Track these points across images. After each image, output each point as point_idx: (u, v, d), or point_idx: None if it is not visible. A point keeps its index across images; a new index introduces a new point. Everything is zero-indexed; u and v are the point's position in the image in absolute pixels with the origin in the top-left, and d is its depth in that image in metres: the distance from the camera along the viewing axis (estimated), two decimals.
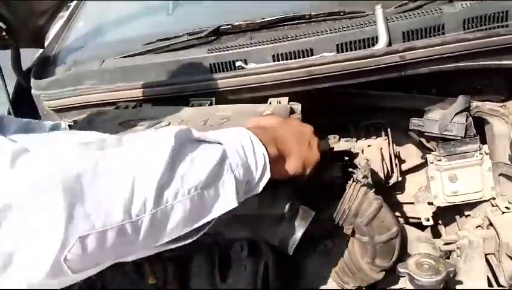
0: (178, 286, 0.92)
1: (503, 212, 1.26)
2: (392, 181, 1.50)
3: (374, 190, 0.98)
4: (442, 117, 1.26)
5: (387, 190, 1.53)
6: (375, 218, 0.88)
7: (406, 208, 1.62)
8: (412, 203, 1.57)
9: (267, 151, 0.64)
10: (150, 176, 0.50)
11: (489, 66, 1.13)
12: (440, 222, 1.55)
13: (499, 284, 1.13)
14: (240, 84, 1.16)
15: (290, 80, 1.14)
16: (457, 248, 1.28)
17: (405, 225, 1.07)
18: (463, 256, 1.24)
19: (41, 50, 1.75)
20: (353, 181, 0.95)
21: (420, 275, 0.71)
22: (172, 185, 0.52)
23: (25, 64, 1.69)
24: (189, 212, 0.54)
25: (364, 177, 0.97)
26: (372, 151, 1.46)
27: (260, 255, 0.95)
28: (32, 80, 1.54)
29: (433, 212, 1.49)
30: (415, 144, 1.52)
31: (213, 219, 0.59)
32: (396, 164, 1.50)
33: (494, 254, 1.22)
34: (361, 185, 0.92)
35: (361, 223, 0.89)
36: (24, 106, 1.61)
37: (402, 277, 0.77)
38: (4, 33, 1.51)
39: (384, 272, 0.95)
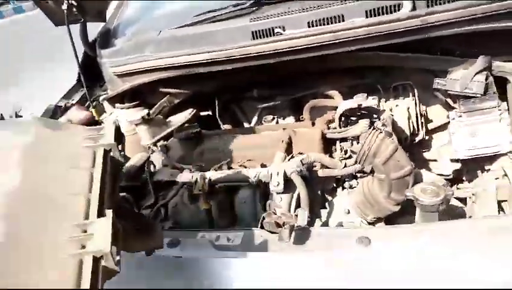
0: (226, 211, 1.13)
1: None
2: (418, 138, 1.64)
3: (393, 137, 1.13)
4: (463, 76, 1.37)
5: (413, 146, 1.68)
6: (391, 158, 1.05)
7: (431, 165, 1.75)
8: (436, 160, 1.70)
9: None
10: None
11: (506, 27, 1.23)
12: (464, 178, 1.67)
13: None
14: (279, 48, 1.33)
15: (324, 43, 1.30)
16: (473, 194, 1.42)
17: (422, 170, 1.21)
18: (478, 202, 1.38)
19: (103, 23, 1.98)
20: (373, 129, 1.11)
21: (423, 197, 0.87)
22: None
23: (90, 36, 1.92)
24: None
25: (383, 125, 1.13)
26: (399, 110, 1.61)
27: (293, 190, 1.14)
28: (98, 50, 1.78)
29: (456, 169, 1.62)
30: (441, 105, 1.64)
31: None
32: (422, 123, 1.63)
33: (507, 201, 1.35)
34: (380, 132, 1.08)
35: (379, 163, 1.06)
36: (91, 72, 1.87)
37: (409, 199, 0.93)
38: (74, 9, 1.75)
39: (399, 206, 1.11)
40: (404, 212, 1.09)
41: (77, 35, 1.86)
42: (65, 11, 1.71)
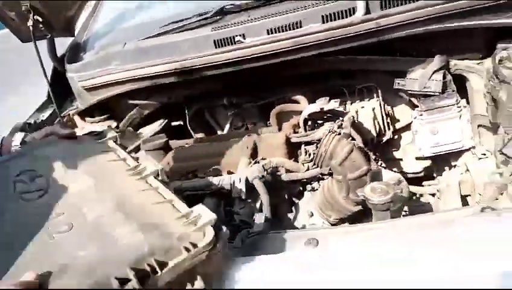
0: None
1: (480, 158, 1.41)
2: (385, 138, 1.67)
3: (350, 138, 1.15)
4: (422, 76, 1.41)
5: (381, 146, 1.71)
6: (347, 159, 1.07)
7: (401, 163, 1.78)
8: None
9: None
10: None
11: (458, 27, 1.27)
12: (434, 175, 1.71)
13: None
14: (239, 56, 1.35)
15: (282, 50, 1.32)
16: (438, 190, 1.45)
17: (381, 168, 1.24)
18: (442, 197, 1.41)
19: (72, 38, 1.99)
20: (329, 131, 1.13)
21: (372, 196, 0.89)
22: None
23: (59, 51, 1.93)
24: None
25: (340, 127, 1.15)
26: (365, 112, 1.64)
27: (257, 195, 1.16)
28: (67, 65, 1.79)
29: (426, 166, 1.66)
30: (407, 104, 1.67)
31: None
32: (388, 123, 1.66)
33: (470, 195, 1.39)
34: (337, 134, 1.10)
35: (335, 164, 1.08)
36: (60, 87, 1.87)
37: (361, 199, 0.95)
38: (41, 25, 1.76)
39: (359, 206, 1.13)
40: (369, 213, 1.11)
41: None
42: (31, 27, 1.72)
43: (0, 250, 0.71)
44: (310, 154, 1.35)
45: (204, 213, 0.74)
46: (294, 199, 1.32)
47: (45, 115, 1.85)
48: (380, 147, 1.72)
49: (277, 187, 1.28)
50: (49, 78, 1.89)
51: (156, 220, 0.74)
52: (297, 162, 1.38)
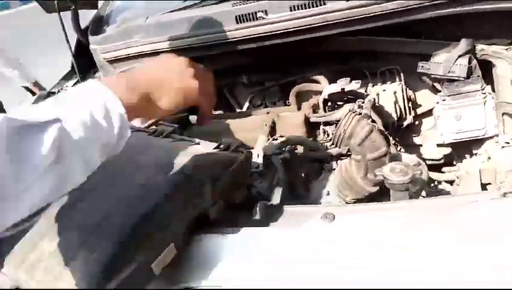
0: None
1: (503, 147, 1.38)
2: (405, 123, 1.65)
3: (370, 119, 1.14)
4: (447, 59, 1.38)
5: (401, 131, 1.69)
6: (367, 139, 1.06)
7: (421, 149, 1.76)
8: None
9: (124, 105, 0.62)
10: None
11: (488, 9, 1.23)
12: (454, 162, 1.68)
13: None
14: (260, 32, 1.34)
15: (304, 27, 1.31)
16: (457, 177, 1.43)
17: (402, 152, 1.23)
18: (461, 184, 1.40)
19: (95, 10, 2.00)
20: (349, 111, 1.12)
21: (391, 176, 0.89)
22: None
23: (83, 23, 1.94)
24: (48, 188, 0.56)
25: (360, 107, 1.14)
26: (386, 95, 1.61)
27: (274, 171, 1.16)
28: (90, 37, 1.80)
29: (446, 154, 1.63)
30: (429, 89, 1.64)
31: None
32: (410, 107, 1.64)
33: (490, 183, 1.36)
34: (356, 114, 1.09)
35: (354, 144, 1.07)
36: (84, 59, 1.89)
37: (379, 180, 0.95)
38: None
39: (377, 187, 1.13)
40: (386, 194, 1.10)
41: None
42: None
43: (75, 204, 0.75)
44: (328, 135, 1.34)
45: (231, 141, 0.92)
46: (311, 178, 1.32)
47: (69, 85, 1.88)
48: (400, 132, 1.70)
49: (294, 165, 1.28)
50: (73, 50, 1.91)
51: (200, 151, 0.88)
52: (316, 141, 1.38)
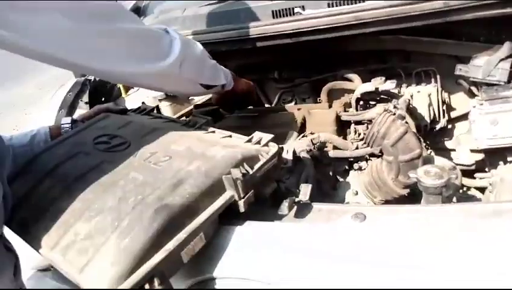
0: None
1: None
2: (438, 126, 1.61)
3: (405, 121, 1.12)
4: (487, 63, 1.33)
5: (434, 134, 1.65)
6: (401, 140, 1.05)
7: (453, 154, 1.72)
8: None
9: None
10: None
11: None
12: (487, 169, 1.63)
13: None
14: (296, 28, 1.33)
15: (342, 24, 1.29)
16: (490, 184, 1.39)
17: (434, 155, 1.20)
18: (494, 192, 1.35)
19: (134, 1, 2.04)
20: (384, 110, 1.10)
21: (425, 179, 0.87)
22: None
23: None
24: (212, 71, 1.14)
25: (395, 108, 1.12)
26: (420, 97, 1.58)
27: (303, 168, 1.16)
28: None
29: (478, 160, 1.59)
30: (466, 93, 1.60)
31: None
32: (444, 110, 1.60)
33: None
34: (391, 114, 1.07)
35: (387, 144, 1.06)
36: None
37: (412, 182, 0.93)
38: None
39: (407, 189, 1.11)
40: (417, 197, 1.09)
41: None
42: None
43: (110, 189, 0.77)
44: (359, 134, 1.33)
45: (263, 135, 0.91)
46: (339, 177, 1.31)
47: None
48: (433, 135, 1.67)
49: (323, 163, 1.27)
50: None
51: (231, 143, 0.89)
52: (346, 140, 1.36)
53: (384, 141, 1.06)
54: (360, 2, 1.30)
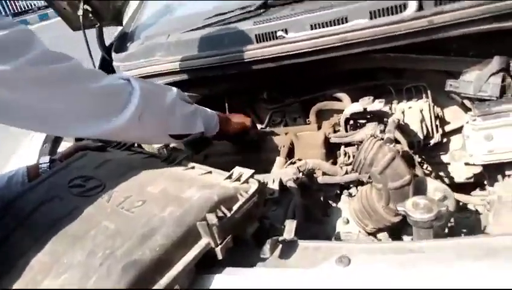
0: None
1: None
2: (433, 142, 1.57)
3: (394, 143, 1.09)
4: (478, 78, 1.30)
5: (429, 150, 1.61)
6: (389, 167, 1.01)
7: (449, 168, 1.68)
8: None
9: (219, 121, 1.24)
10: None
11: None
12: (486, 183, 1.58)
13: None
14: (280, 52, 1.30)
15: (326, 46, 1.26)
16: (488, 203, 1.34)
17: (427, 178, 1.16)
18: (492, 210, 1.31)
19: (120, 28, 2.02)
20: (370, 135, 1.07)
21: (414, 213, 0.83)
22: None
23: (107, 40, 1.97)
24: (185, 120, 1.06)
25: (382, 132, 1.09)
26: (412, 113, 1.54)
27: (290, 199, 1.12)
28: (113, 54, 1.82)
29: (476, 174, 1.54)
30: (459, 106, 1.56)
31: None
32: (437, 126, 1.56)
33: None
34: (378, 139, 1.04)
35: (375, 172, 1.02)
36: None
37: (400, 214, 0.89)
38: (90, 15, 1.80)
39: (400, 217, 1.07)
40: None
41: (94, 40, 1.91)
42: (81, 16, 1.76)
43: (80, 240, 0.74)
44: (349, 156, 1.29)
45: (243, 170, 0.87)
46: (331, 201, 1.27)
47: None
48: (427, 151, 1.63)
49: (312, 189, 1.24)
50: (97, 67, 1.94)
51: (209, 182, 0.86)
52: (336, 163, 1.33)
53: (372, 168, 1.02)
54: (342, 24, 1.27)
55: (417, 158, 1.66)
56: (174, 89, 1.10)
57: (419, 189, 1.09)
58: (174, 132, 1.05)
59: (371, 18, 1.25)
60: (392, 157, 1.01)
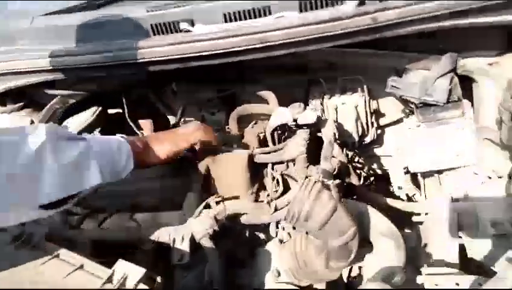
0: None
1: (482, 182, 1.17)
2: (368, 139, 1.40)
3: (332, 181, 0.86)
4: (423, 80, 1.10)
5: (362, 146, 1.44)
6: (329, 222, 0.79)
7: (384, 161, 1.53)
8: (391, 156, 1.48)
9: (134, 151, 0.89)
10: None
11: (467, 25, 0.95)
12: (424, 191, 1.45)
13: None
14: (185, 53, 0.98)
15: (243, 48, 0.97)
16: (426, 213, 1.21)
17: (369, 208, 0.97)
18: (430, 224, 1.16)
19: None
20: (305, 177, 0.83)
21: None
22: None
23: None
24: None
25: (316, 173, 0.86)
26: (346, 110, 1.33)
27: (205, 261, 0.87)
28: None
29: (418, 183, 1.41)
30: (396, 98, 1.37)
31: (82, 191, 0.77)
32: (372, 123, 1.37)
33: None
34: (313, 184, 0.80)
35: (313, 228, 0.79)
36: None
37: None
38: None
39: (340, 272, 0.88)
40: None
41: None
42: None
43: None
44: (278, 182, 1.06)
45: (129, 270, 0.62)
46: (257, 243, 1.04)
47: None
48: (362, 147, 1.46)
49: (236, 231, 1.00)
50: None
51: None
52: (263, 186, 1.09)
53: (309, 223, 0.79)
54: (265, 15, 0.97)
55: (352, 154, 1.50)
56: (42, 127, 0.75)
57: (365, 222, 0.91)
58: (47, 200, 0.70)
59: (301, 11, 0.97)
60: (333, 209, 0.79)
